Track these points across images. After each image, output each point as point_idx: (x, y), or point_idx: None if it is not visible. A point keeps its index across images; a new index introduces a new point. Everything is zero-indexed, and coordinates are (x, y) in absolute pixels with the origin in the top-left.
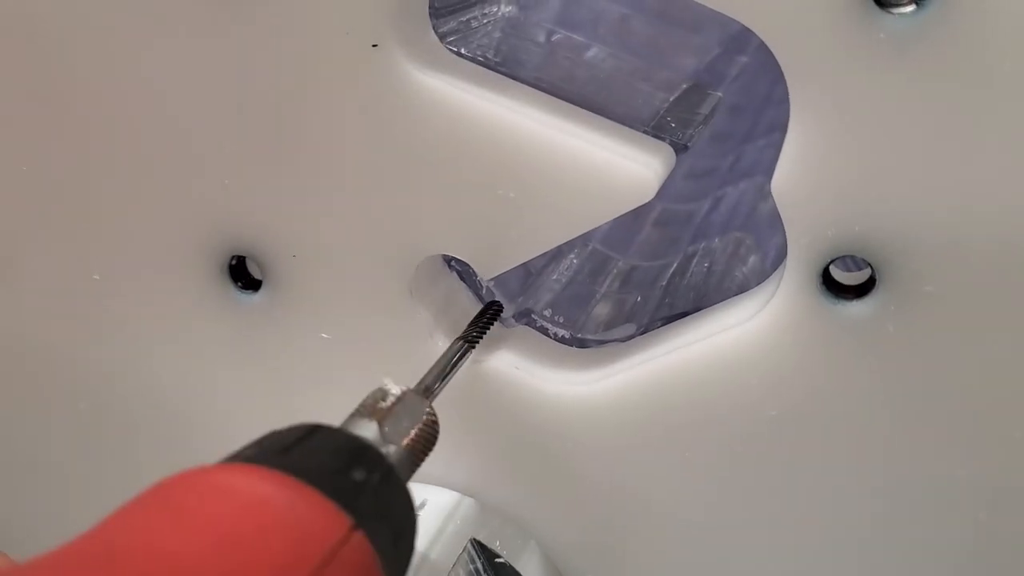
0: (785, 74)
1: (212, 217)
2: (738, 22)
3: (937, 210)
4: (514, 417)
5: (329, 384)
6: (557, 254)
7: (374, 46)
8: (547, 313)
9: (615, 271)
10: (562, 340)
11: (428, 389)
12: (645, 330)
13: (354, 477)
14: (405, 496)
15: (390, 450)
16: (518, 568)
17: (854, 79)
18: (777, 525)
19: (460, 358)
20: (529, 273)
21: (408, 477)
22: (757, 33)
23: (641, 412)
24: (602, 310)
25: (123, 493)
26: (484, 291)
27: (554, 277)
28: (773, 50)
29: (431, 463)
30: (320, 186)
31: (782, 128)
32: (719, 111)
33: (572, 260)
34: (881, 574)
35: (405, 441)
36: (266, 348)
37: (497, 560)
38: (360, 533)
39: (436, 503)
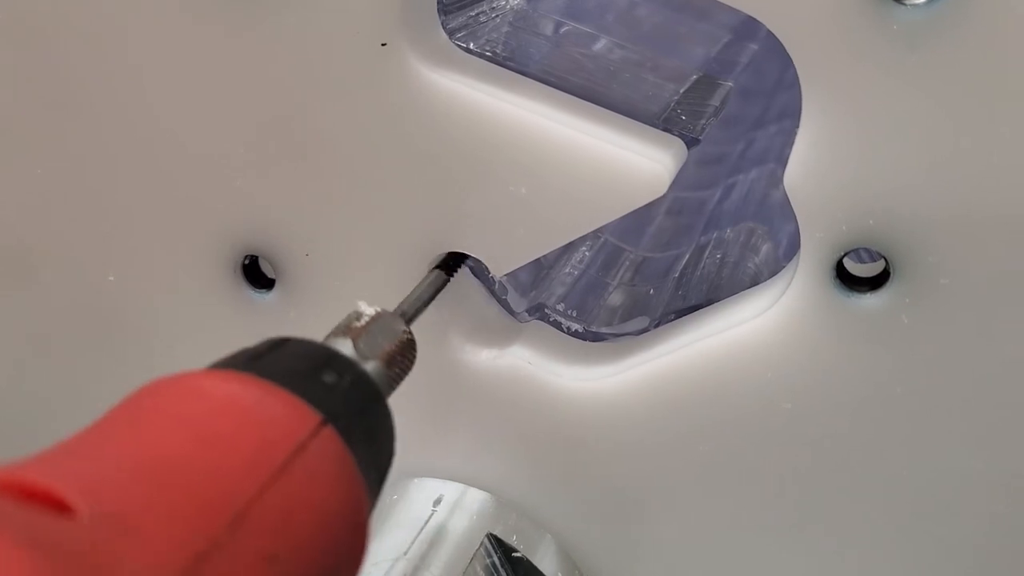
0: (796, 67)
1: (224, 217)
2: None
3: (951, 202)
4: (528, 412)
5: None
6: (569, 247)
7: (383, 45)
8: (560, 307)
9: (628, 263)
10: (575, 334)
11: (404, 313)
12: (659, 323)
13: (324, 379)
14: (379, 399)
15: (367, 365)
16: (535, 562)
17: (866, 71)
18: (792, 517)
19: (438, 287)
20: (542, 267)
21: (388, 392)
22: (767, 26)
23: (655, 406)
24: (615, 303)
25: None
26: (497, 286)
27: (566, 271)
28: (784, 42)
29: (448, 458)
30: (332, 185)
31: (793, 114)
32: (731, 96)
33: (584, 253)
34: (898, 566)
35: (380, 357)
36: None
37: (514, 554)
38: (330, 429)
39: (452, 498)
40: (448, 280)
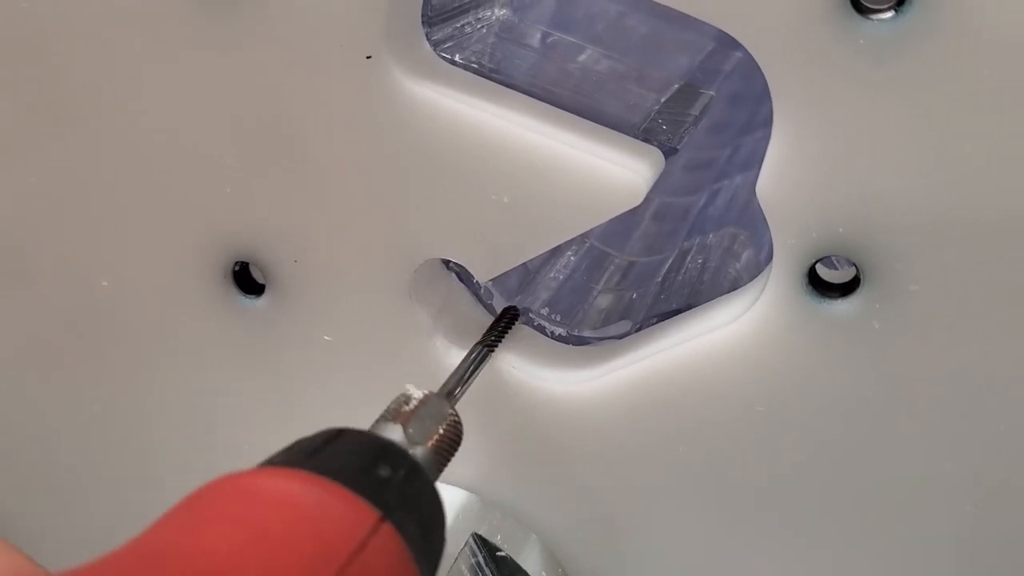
0: (767, 79)
1: (215, 225)
2: None
3: (919, 211)
4: (512, 415)
5: (332, 384)
6: (555, 252)
7: (368, 58)
8: (544, 312)
9: (613, 267)
10: (559, 338)
11: (450, 393)
12: (640, 327)
13: (380, 473)
14: (432, 491)
15: (416, 450)
16: (519, 562)
17: (835, 84)
18: (768, 518)
19: (480, 362)
20: (528, 271)
21: (436, 476)
22: (738, 39)
23: (634, 409)
24: (600, 307)
25: (136, 494)
26: (483, 291)
27: (551, 275)
28: (754, 56)
29: None
30: (319, 193)
31: None
32: (719, 101)
33: (570, 257)
34: (871, 565)
35: (430, 442)
36: (270, 350)
37: (499, 554)
38: (388, 525)
39: None
40: (489, 354)
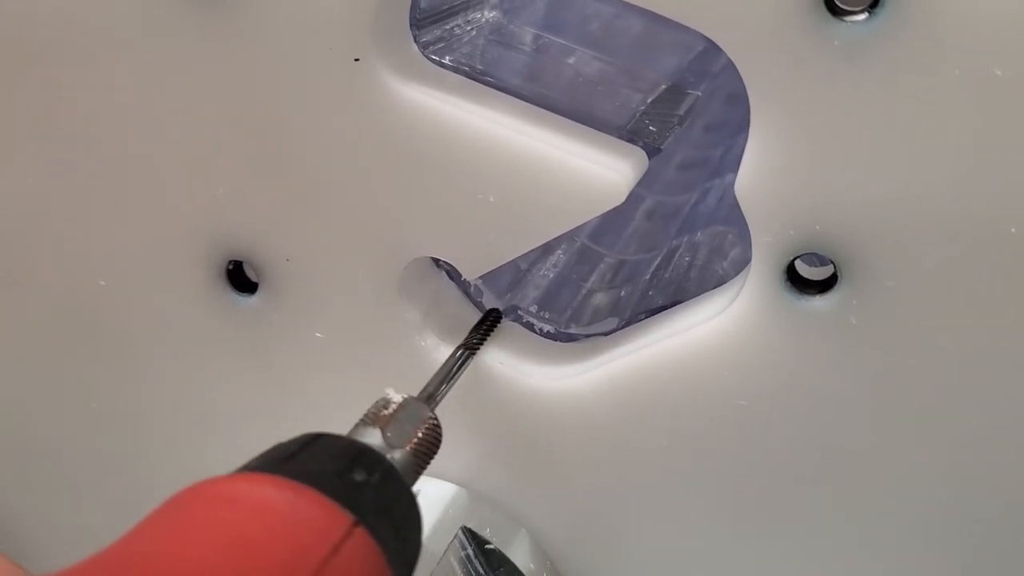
0: (744, 80)
1: (208, 224)
2: None
3: (894, 209)
4: (500, 410)
5: (323, 381)
6: (546, 250)
7: (356, 60)
8: (533, 309)
9: (603, 265)
10: (547, 335)
11: (431, 396)
12: (627, 323)
13: (354, 478)
14: (407, 494)
15: (394, 455)
16: (508, 555)
17: (810, 85)
18: (750, 509)
19: (461, 365)
20: (519, 269)
21: (413, 479)
22: (715, 41)
23: (619, 403)
24: (589, 304)
25: (131, 490)
26: (472, 289)
27: (541, 273)
28: (731, 57)
29: None
30: (310, 193)
31: None
32: (716, 100)
33: (560, 255)
34: (848, 557)
35: (408, 445)
36: (263, 348)
37: (487, 546)
38: (362, 529)
39: (427, 493)
40: (472, 356)
